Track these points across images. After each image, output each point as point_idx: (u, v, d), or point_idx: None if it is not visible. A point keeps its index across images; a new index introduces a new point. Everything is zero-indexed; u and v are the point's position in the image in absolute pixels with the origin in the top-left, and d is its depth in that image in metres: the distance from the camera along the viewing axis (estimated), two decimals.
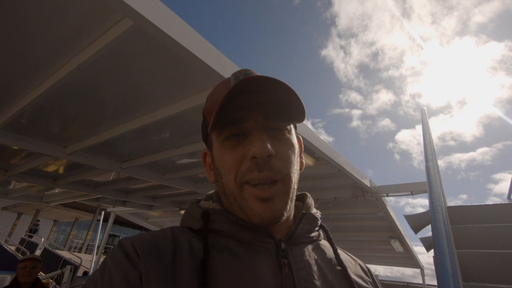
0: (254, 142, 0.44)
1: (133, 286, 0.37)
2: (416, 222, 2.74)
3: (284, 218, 0.45)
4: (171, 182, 3.29)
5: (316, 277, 0.45)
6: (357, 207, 3.88)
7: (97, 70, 1.47)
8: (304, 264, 0.46)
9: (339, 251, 0.54)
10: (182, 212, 3.27)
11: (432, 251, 2.78)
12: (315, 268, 0.46)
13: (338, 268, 0.49)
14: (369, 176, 3.10)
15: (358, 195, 3.20)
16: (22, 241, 9.80)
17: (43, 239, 8.72)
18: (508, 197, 3.67)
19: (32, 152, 2.59)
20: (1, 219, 16.97)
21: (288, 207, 0.46)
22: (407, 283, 12.02)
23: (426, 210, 2.69)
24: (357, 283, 0.50)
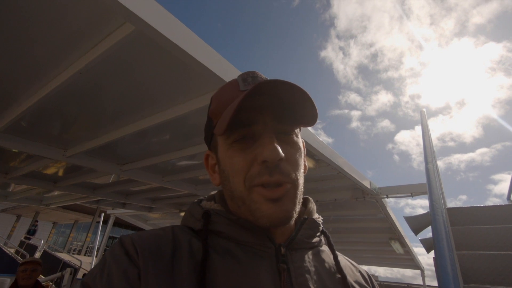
0: (265, 146, 0.43)
1: (132, 283, 0.37)
2: (416, 224, 2.75)
3: (292, 220, 0.45)
4: (171, 184, 3.29)
5: (314, 284, 0.44)
6: (357, 209, 3.88)
7: (98, 73, 1.47)
8: (303, 270, 0.45)
9: (340, 258, 0.53)
10: (182, 214, 3.26)
11: (432, 252, 2.78)
12: (314, 274, 0.46)
13: (338, 275, 0.49)
14: (368, 177, 3.11)
15: (358, 196, 3.21)
16: (21, 244, 9.75)
17: (42, 242, 8.69)
18: (508, 198, 3.68)
19: (32, 155, 2.59)
20: (0, 222, 16.91)
21: (297, 208, 0.46)
22: (408, 284, 12.01)
23: (426, 211, 2.70)
24: None
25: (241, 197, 0.46)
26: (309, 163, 2.58)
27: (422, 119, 3.32)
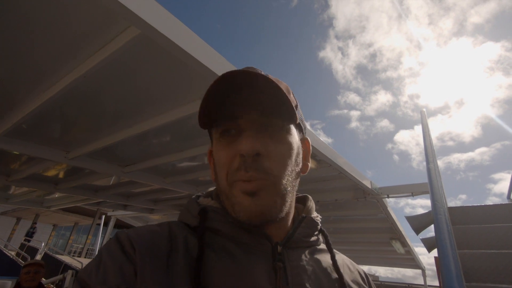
0: (242, 140, 0.43)
1: (127, 279, 0.37)
2: (417, 223, 2.75)
3: (273, 216, 0.44)
4: (173, 186, 3.30)
5: (311, 283, 0.44)
6: (358, 209, 3.89)
7: (100, 76, 1.48)
8: (299, 269, 0.45)
9: (337, 257, 0.53)
10: None
11: (433, 251, 2.79)
12: (310, 273, 0.46)
13: (335, 275, 0.49)
14: (368, 178, 3.12)
15: (359, 196, 3.21)
16: (22, 246, 9.74)
17: (43, 244, 8.69)
18: (508, 197, 3.69)
19: (34, 157, 2.60)
20: (0, 224, 16.86)
21: (278, 206, 0.44)
22: (408, 284, 12.01)
23: (426, 211, 2.71)
24: None
25: (225, 192, 0.46)
26: (311, 164, 2.59)
27: (422, 119, 3.33)
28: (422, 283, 8.35)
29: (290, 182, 0.46)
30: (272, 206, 0.43)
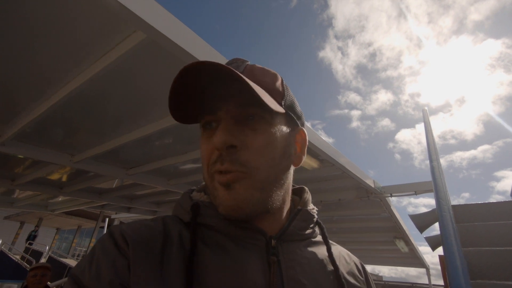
0: (217, 133, 0.42)
1: (121, 274, 0.37)
2: (421, 222, 2.76)
3: (254, 210, 0.42)
4: (176, 188, 3.32)
5: (305, 277, 0.44)
6: (361, 208, 3.89)
7: (105, 80, 1.50)
8: (294, 262, 0.45)
9: (334, 249, 0.52)
10: None
11: (437, 250, 2.79)
12: (305, 267, 0.45)
13: (330, 267, 0.48)
14: (370, 177, 3.12)
15: (362, 196, 3.22)
16: (26, 250, 9.79)
17: (47, 247, 8.73)
18: (511, 195, 3.68)
19: (38, 161, 2.62)
20: (4, 229, 16.91)
21: (256, 199, 0.42)
22: (412, 283, 11.95)
23: (429, 209, 2.71)
24: (349, 282, 0.49)
25: (208, 185, 0.46)
26: (314, 164, 2.60)
27: (424, 117, 3.33)
28: (426, 282, 8.32)
29: (274, 175, 0.45)
30: (249, 199, 0.42)
